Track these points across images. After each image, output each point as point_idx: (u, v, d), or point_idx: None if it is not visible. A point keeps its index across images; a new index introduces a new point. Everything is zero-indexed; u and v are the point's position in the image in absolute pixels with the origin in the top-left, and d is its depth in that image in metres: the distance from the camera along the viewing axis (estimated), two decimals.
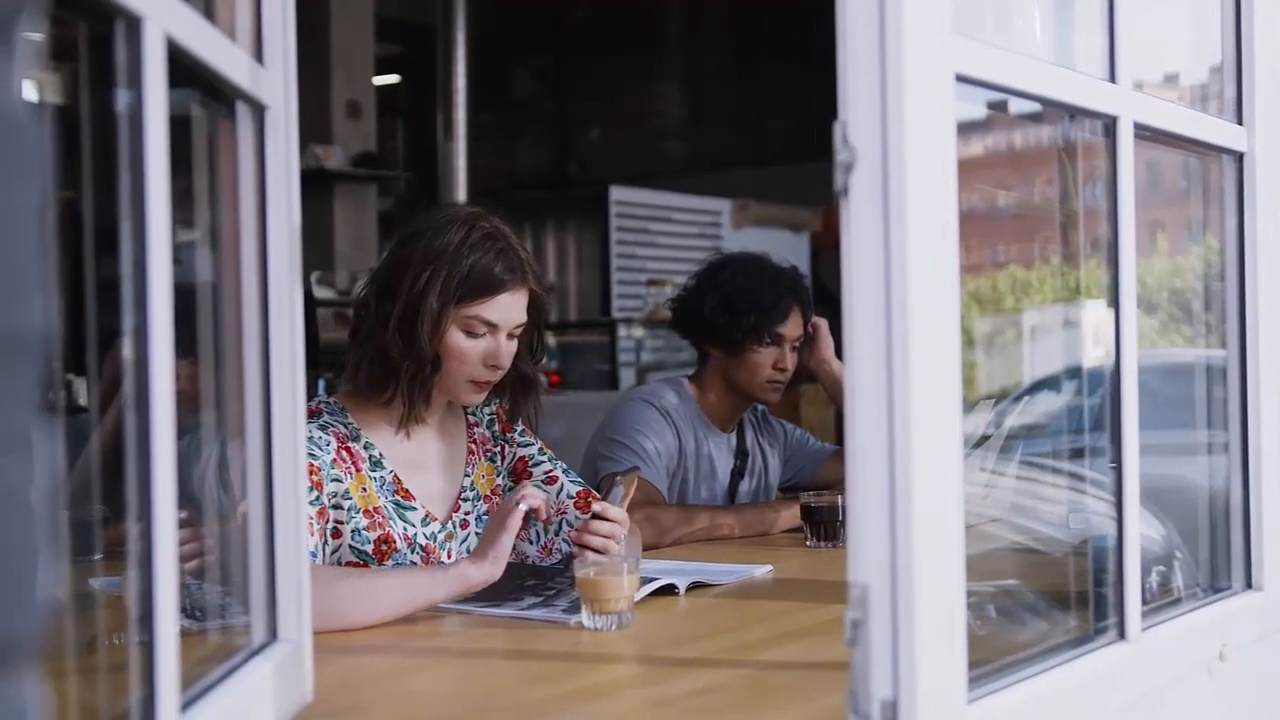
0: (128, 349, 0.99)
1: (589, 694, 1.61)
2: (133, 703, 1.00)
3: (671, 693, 1.58)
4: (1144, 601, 1.54)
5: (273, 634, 1.37)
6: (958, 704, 1.22)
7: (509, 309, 2.22)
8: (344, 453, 2.20)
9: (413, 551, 2.22)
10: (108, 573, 1.38)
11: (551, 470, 2.41)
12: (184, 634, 1.05)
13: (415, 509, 2.26)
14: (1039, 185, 2.00)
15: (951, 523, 1.22)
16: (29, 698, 0.55)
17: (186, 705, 1.08)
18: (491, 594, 2.03)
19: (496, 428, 2.43)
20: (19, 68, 0.57)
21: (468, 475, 2.37)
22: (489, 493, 2.38)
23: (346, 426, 2.24)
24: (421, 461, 2.31)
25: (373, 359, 2.22)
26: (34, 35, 0.60)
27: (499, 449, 2.43)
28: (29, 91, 0.59)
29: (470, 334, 2.21)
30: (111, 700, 1.10)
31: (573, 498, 2.37)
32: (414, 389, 2.21)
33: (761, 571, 2.37)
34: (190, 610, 1.28)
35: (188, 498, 1.09)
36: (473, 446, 2.39)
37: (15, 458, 0.53)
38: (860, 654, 1.18)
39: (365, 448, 2.25)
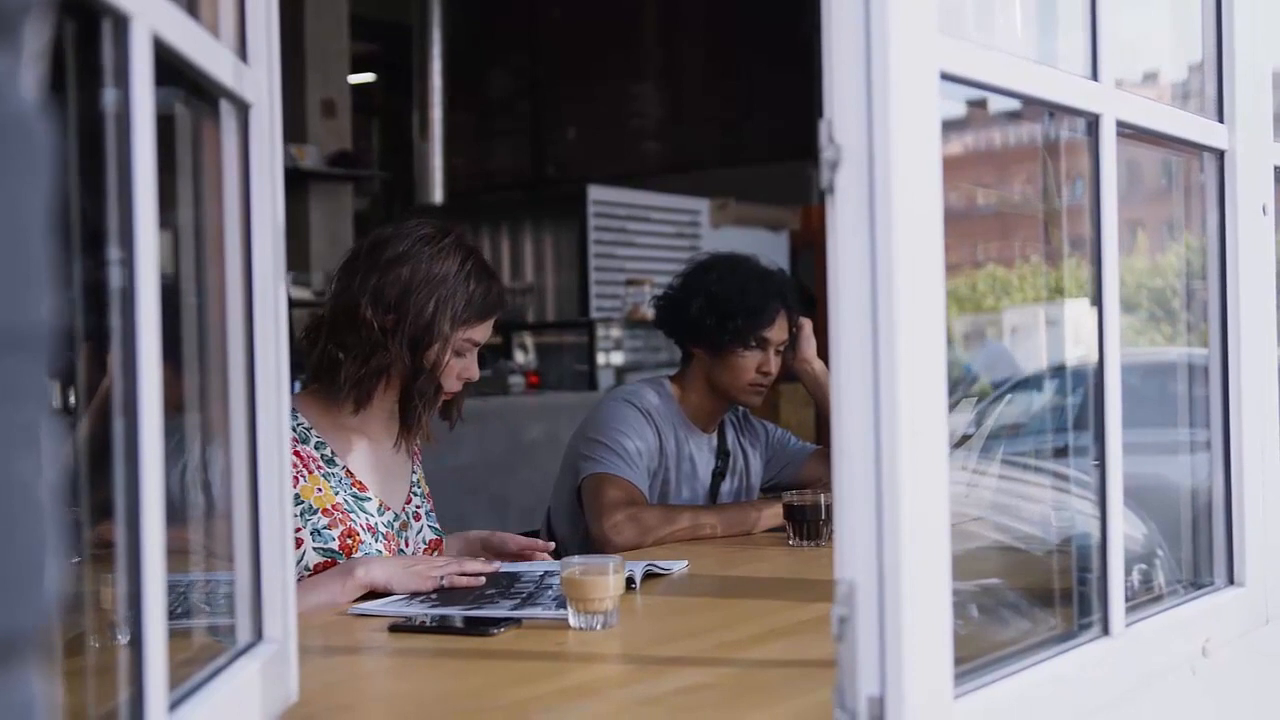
0: (115, 351, 0.99)
1: (576, 693, 1.61)
2: (120, 703, 1.00)
3: (658, 691, 1.58)
4: (1126, 599, 1.55)
5: (258, 634, 1.36)
6: (944, 700, 1.22)
7: (490, 329, 2.35)
8: (293, 456, 2.20)
9: (376, 540, 2.26)
10: (92, 575, 1.37)
11: (429, 507, 2.50)
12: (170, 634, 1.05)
13: (370, 499, 2.32)
14: (1018, 184, 2.01)
15: (938, 519, 1.22)
16: (36, 692, 0.55)
17: (174, 705, 1.08)
18: (473, 600, 2.03)
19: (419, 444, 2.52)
20: (25, 66, 0.57)
21: (415, 472, 2.46)
22: (427, 493, 2.48)
23: (295, 429, 2.25)
24: (373, 458, 2.36)
25: (374, 375, 2.25)
26: (40, 33, 0.60)
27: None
28: (35, 90, 0.58)
29: (458, 354, 2.30)
30: (97, 701, 1.09)
31: (425, 543, 2.43)
32: (425, 408, 2.30)
33: (679, 567, 2.37)
34: (173, 610, 1.27)
35: (169, 499, 1.09)
36: (415, 448, 2.47)
37: (25, 454, 0.53)
38: (847, 650, 1.18)
39: (316, 447, 2.27)
